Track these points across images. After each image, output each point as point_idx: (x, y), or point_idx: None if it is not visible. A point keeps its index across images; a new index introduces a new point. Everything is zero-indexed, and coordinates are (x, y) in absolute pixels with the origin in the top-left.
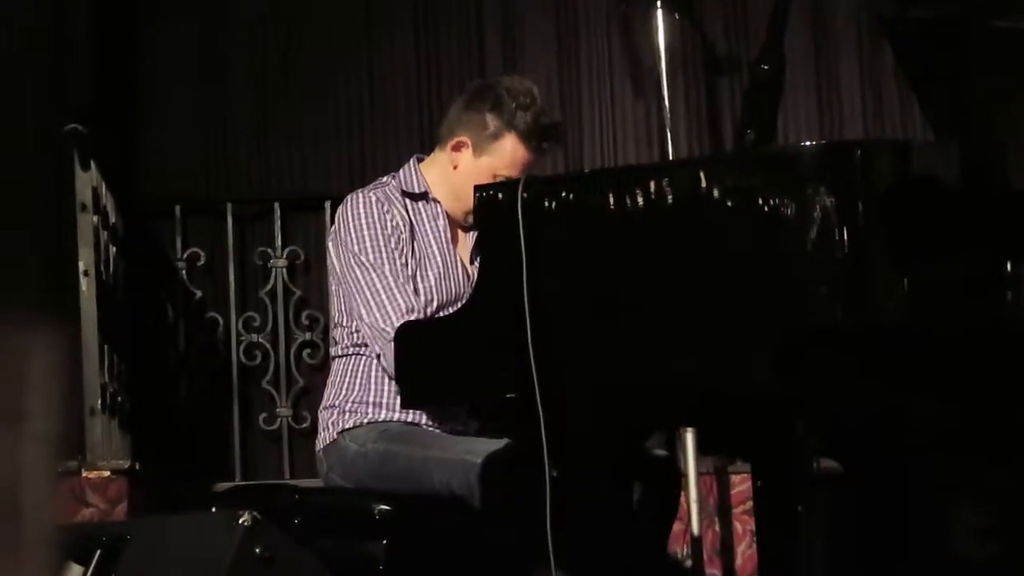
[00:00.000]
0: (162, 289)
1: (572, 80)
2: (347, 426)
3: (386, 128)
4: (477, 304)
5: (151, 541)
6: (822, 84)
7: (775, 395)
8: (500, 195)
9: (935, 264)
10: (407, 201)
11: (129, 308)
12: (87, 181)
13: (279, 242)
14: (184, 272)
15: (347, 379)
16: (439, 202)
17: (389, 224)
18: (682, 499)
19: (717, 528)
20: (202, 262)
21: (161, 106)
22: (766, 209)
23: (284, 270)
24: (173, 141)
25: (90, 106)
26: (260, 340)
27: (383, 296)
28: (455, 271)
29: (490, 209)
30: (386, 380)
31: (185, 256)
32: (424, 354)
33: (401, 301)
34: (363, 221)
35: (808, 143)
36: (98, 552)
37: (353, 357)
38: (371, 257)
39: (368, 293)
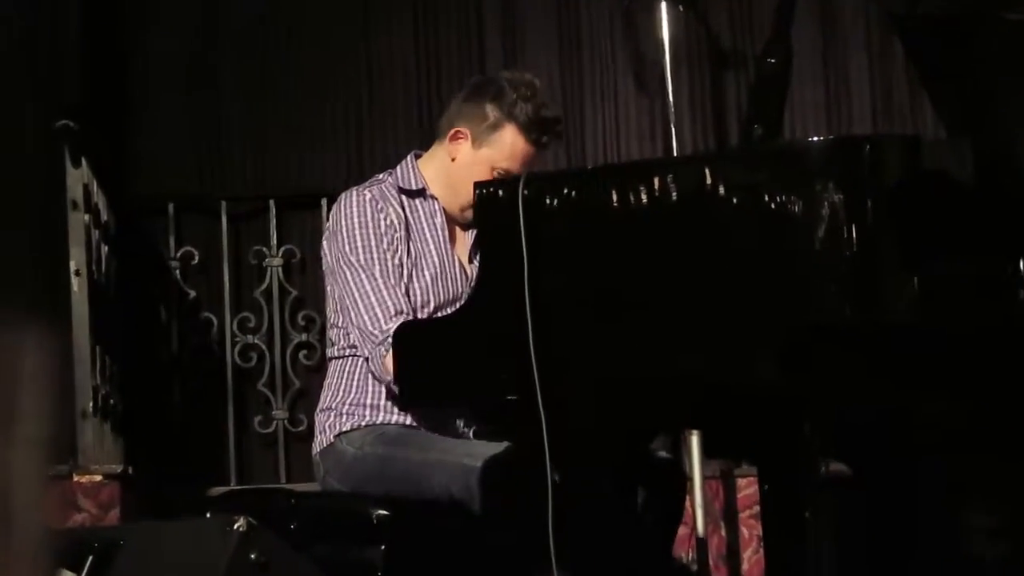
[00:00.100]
0: (155, 289)
1: (574, 74)
2: (344, 429)
3: (384, 124)
4: (477, 304)
5: (144, 547)
6: (830, 78)
7: (782, 395)
8: (500, 192)
9: (946, 262)
10: (404, 198)
11: (121, 308)
12: (78, 178)
13: (275, 241)
14: (178, 271)
15: (344, 381)
16: (437, 199)
17: (383, 223)
18: (687, 503)
19: (723, 533)
20: (196, 261)
21: (154, 102)
22: (773, 206)
23: (280, 269)
24: (166, 137)
25: (81, 102)
26: (255, 341)
27: (372, 298)
28: (453, 270)
29: (490, 206)
30: None
31: (178, 255)
32: (422, 355)
33: (390, 303)
34: (355, 221)
35: (816, 138)
36: (90, 559)
37: (350, 359)
38: (361, 258)
39: (357, 295)
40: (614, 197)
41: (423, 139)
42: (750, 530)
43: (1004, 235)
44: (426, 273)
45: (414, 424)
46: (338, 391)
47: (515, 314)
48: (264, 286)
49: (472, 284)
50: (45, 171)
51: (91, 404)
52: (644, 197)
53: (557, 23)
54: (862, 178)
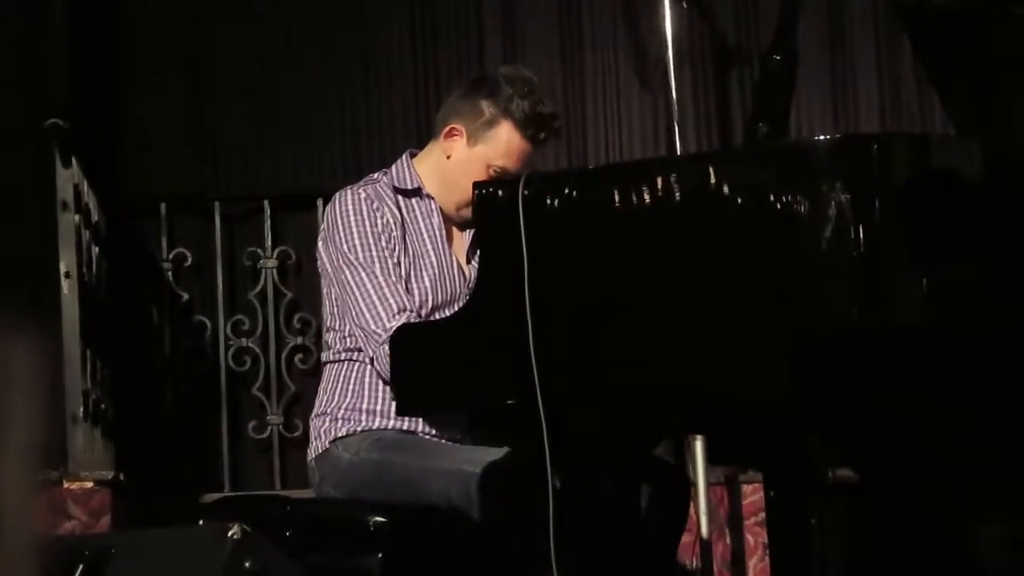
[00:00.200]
0: (147, 291)
1: (575, 73)
2: (340, 434)
3: (381, 122)
4: (476, 306)
5: (136, 555)
6: (836, 75)
7: (787, 399)
8: (500, 192)
9: (955, 263)
10: (399, 198)
11: (112, 311)
12: (68, 178)
13: (269, 242)
14: (170, 273)
15: (340, 385)
16: (433, 198)
17: (379, 222)
18: (691, 510)
19: (728, 540)
20: (189, 263)
21: (146, 99)
22: (778, 206)
23: (274, 271)
24: (158, 136)
25: (71, 100)
26: (249, 345)
27: (374, 297)
28: (451, 271)
29: (490, 207)
30: (381, 386)
31: (171, 256)
32: (420, 359)
33: (393, 302)
34: (352, 219)
35: (822, 137)
36: (80, 567)
37: (346, 362)
38: (361, 256)
39: (358, 294)
40: (616, 197)
41: (421, 139)
42: (755, 537)
43: (1014, 235)
44: (425, 275)
45: (412, 429)
46: (334, 396)
47: (515, 316)
48: (258, 288)
49: (470, 285)
50: (34, 171)
51: (81, 409)
52: (647, 197)
53: (558, 20)
54: (870, 177)
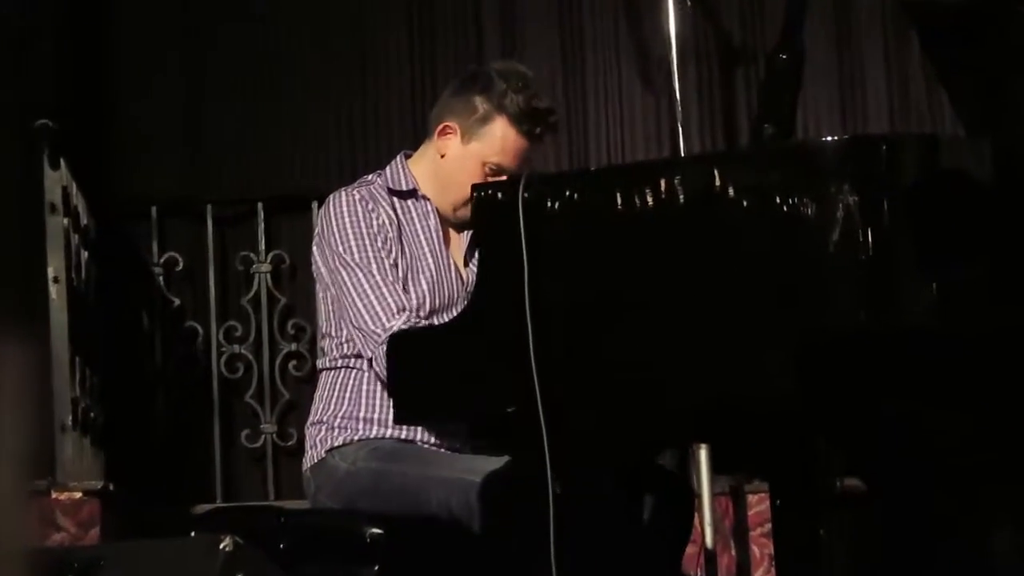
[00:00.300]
0: (137, 296)
1: (576, 73)
2: (336, 443)
3: (378, 123)
4: (475, 310)
5: (126, 568)
6: (844, 75)
7: (794, 406)
8: (500, 195)
9: (965, 266)
10: (394, 200)
11: (102, 317)
12: (56, 180)
13: (263, 246)
14: (161, 278)
15: (336, 393)
16: (429, 200)
17: (375, 223)
18: (695, 520)
19: (733, 552)
20: (180, 267)
21: (136, 99)
22: (785, 208)
23: (268, 276)
24: (149, 137)
25: (59, 99)
26: (242, 351)
27: (372, 297)
28: (448, 274)
29: (489, 209)
30: (378, 394)
31: (162, 261)
32: (418, 365)
33: (392, 301)
34: (347, 220)
35: (830, 138)
36: None
37: (342, 370)
38: (357, 257)
39: (356, 295)
40: (618, 200)
41: (419, 141)
42: (761, 549)
43: None
44: (422, 277)
45: (410, 438)
46: (330, 404)
47: (515, 321)
48: (252, 293)
49: (468, 289)
50: (22, 172)
51: (70, 417)
52: (650, 199)
53: (558, 19)
54: (878, 179)
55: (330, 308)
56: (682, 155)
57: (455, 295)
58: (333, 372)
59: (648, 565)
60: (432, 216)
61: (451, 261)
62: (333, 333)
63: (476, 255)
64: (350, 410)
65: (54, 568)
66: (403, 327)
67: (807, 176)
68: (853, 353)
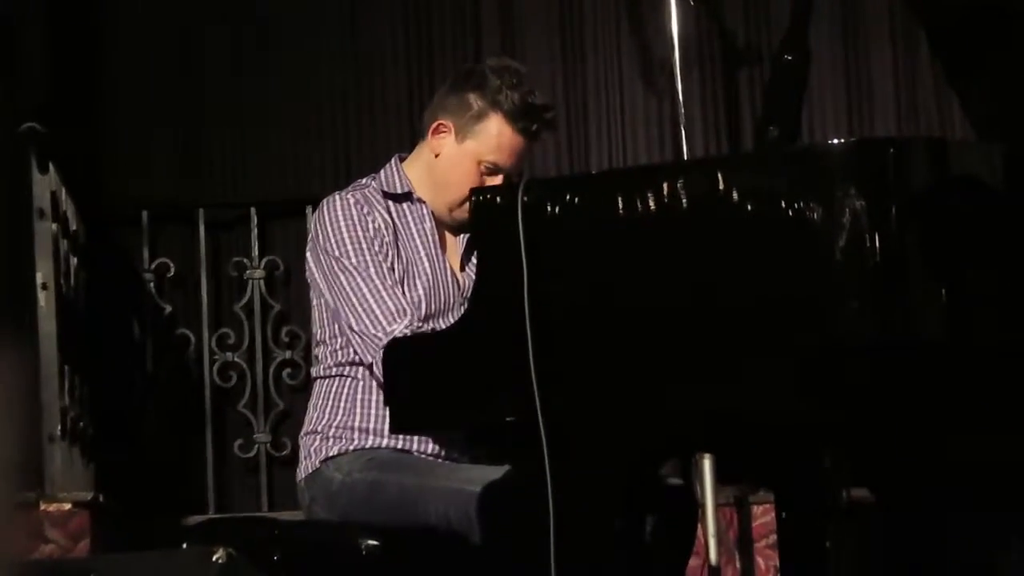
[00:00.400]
0: (128, 303)
1: (577, 74)
2: (331, 453)
3: (374, 127)
4: (473, 317)
5: None
6: (851, 76)
7: (800, 417)
8: (498, 198)
9: (976, 274)
10: (390, 203)
11: (92, 324)
12: (45, 185)
13: (256, 252)
14: (152, 285)
15: (331, 402)
16: (424, 203)
17: (371, 226)
18: (699, 532)
19: (737, 564)
20: (172, 274)
21: (127, 102)
22: (790, 213)
23: (262, 282)
24: (140, 141)
25: (48, 102)
26: (235, 359)
27: (370, 300)
28: (445, 278)
29: (487, 214)
30: (374, 403)
31: (153, 267)
32: (414, 373)
33: (391, 304)
34: (342, 224)
35: (836, 141)
36: None
37: (337, 378)
38: (354, 260)
39: (355, 299)
40: (620, 204)
41: (414, 146)
42: (766, 561)
43: None
44: (418, 282)
45: (407, 448)
46: (325, 413)
47: (514, 328)
48: (245, 300)
49: (464, 294)
50: (10, 177)
51: (59, 427)
52: (652, 204)
53: (559, 19)
54: (886, 183)
55: (325, 315)
56: (685, 158)
57: (451, 300)
58: (328, 380)
59: None
60: (428, 219)
61: (447, 265)
62: (328, 340)
63: (473, 259)
64: (345, 419)
65: None
66: (404, 331)
67: (813, 180)
68: (859, 361)
